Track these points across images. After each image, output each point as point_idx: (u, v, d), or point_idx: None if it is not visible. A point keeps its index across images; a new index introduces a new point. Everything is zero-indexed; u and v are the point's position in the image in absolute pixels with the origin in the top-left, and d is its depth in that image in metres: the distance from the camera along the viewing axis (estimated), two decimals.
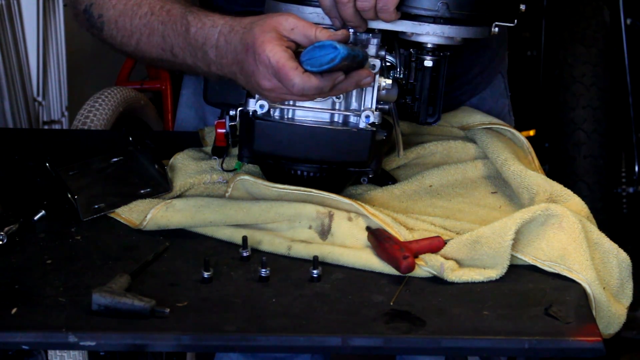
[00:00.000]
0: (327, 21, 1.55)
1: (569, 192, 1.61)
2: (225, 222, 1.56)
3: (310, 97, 1.48)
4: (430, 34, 1.56)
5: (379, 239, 1.50)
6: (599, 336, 1.33)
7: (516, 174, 1.65)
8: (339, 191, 1.62)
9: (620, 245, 1.53)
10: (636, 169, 3.34)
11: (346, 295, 1.42)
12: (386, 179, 1.72)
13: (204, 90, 1.71)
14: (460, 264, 1.48)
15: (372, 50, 1.57)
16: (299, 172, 1.61)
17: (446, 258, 1.48)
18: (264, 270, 1.45)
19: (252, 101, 1.56)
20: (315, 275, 1.45)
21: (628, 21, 3.31)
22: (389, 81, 1.57)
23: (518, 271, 1.48)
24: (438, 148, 1.79)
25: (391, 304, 1.40)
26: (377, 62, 1.55)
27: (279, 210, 1.55)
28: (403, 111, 1.66)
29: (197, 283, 1.44)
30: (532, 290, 1.44)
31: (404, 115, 1.67)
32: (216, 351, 2.02)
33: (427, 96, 1.64)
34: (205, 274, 1.44)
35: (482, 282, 1.45)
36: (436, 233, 1.54)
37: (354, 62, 1.47)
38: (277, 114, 1.57)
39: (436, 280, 1.46)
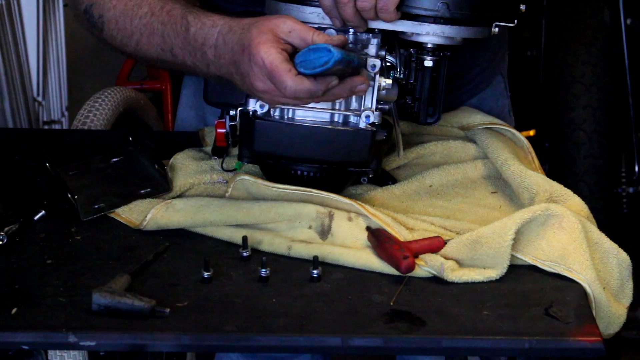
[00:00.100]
0: (328, 21, 1.55)
1: (569, 192, 1.61)
2: (225, 222, 1.56)
3: (303, 100, 1.48)
4: (430, 34, 1.56)
5: (379, 239, 1.50)
6: (599, 336, 1.33)
7: (516, 174, 1.65)
8: (339, 191, 1.62)
9: (620, 245, 1.53)
10: (636, 169, 3.34)
11: (346, 295, 1.42)
12: (386, 179, 1.72)
13: (204, 90, 1.71)
14: (460, 264, 1.48)
15: (372, 50, 1.57)
16: (299, 172, 1.61)
17: (446, 258, 1.48)
18: (264, 270, 1.45)
19: (252, 101, 1.56)
20: (315, 275, 1.45)
21: (628, 21, 3.31)
22: (389, 81, 1.57)
23: (518, 271, 1.48)
24: (438, 148, 1.79)
25: (391, 304, 1.40)
26: (377, 62, 1.55)
27: (279, 210, 1.55)
28: (403, 111, 1.66)
29: (197, 283, 1.44)
30: (532, 290, 1.44)
31: (404, 115, 1.67)
32: (216, 351, 2.02)
33: (427, 96, 1.64)
34: (205, 274, 1.44)
35: (482, 282, 1.45)
36: (436, 233, 1.54)
37: (349, 68, 1.46)
38: (277, 113, 1.57)
39: (436, 280, 1.46)
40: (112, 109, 2.54)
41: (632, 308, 1.55)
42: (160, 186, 1.66)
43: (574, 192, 1.61)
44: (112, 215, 1.62)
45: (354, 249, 1.51)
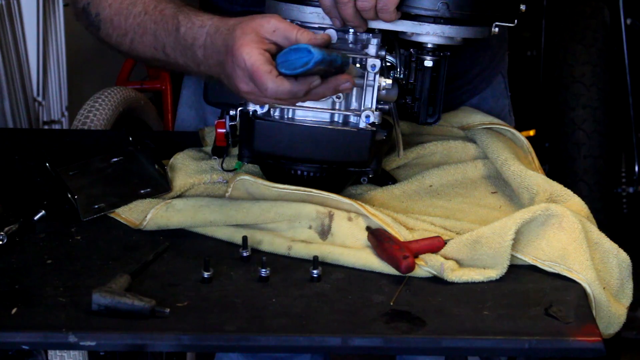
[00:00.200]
0: (328, 21, 1.55)
1: (569, 192, 1.61)
2: (225, 222, 1.56)
3: (285, 101, 1.48)
4: (430, 34, 1.56)
5: (379, 239, 1.50)
6: (599, 336, 1.33)
7: (516, 174, 1.65)
8: (339, 191, 1.62)
9: (620, 245, 1.53)
10: (636, 169, 3.34)
11: (346, 295, 1.42)
12: (386, 179, 1.72)
13: (204, 90, 1.71)
14: (460, 264, 1.48)
15: (372, 50, 1.57)
16: (299, 172, 1.61)
17: (446, 258, 1.48)
18: (264, 270, 1.45)
19: None
20: (315, 275, 1.45)
21: (628, 21, 3.31)
22: (389, 81, 1.57)
23: (518, 271, 1.48)
24: (438, 148, 1.79)
25: (391, 304, 1.40)
26: (377, 62, 1.55)
27: (279, 210, 1.55)
28: (403, 111, 1.66)
29: (197, 283, 1.44)
30: (532, 290, 1.44)
31: (404, 115, 1.67)
32: (216, 351, 2.02)
33: (427, 96, 1.64)
34: (205, 274, 1.44)
35: (482, 282, 1.45)
36: (436, 233, 1.54)
37: (332, 67, 1.45)
38: (277, 113, 1.57)
39: (436, 280, 1.46)
40: (112, 109, 2.54)
41: (632, 308, 1.55)
42: (160, 186, 1.66)
43: (574, 192, 1.61)
44: (112, 215, 1.62)
45: (354, 249, 1.51)
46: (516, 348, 1.34)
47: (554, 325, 1.35)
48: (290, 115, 1.58)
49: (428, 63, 1.61)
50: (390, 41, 1.61)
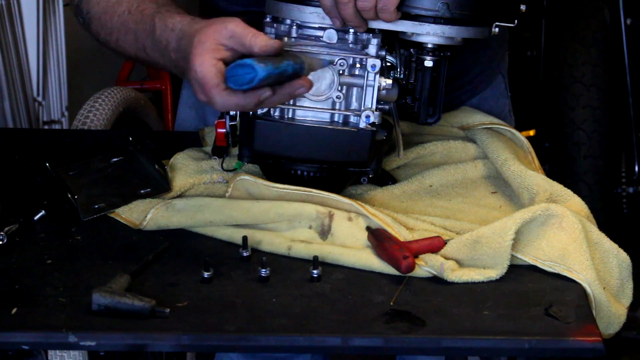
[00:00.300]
0: (328, 21, 1.55)
1: (569, 192, 1.61)
2: (225, 222, 1.56)
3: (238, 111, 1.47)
4: (430, 34, 1.56)
5: (379, 239, 1.50)
6: (599, 336, 1.33)
7: (516, 174, 1.65)
8: (339, 191, 1.62)
9: (620, 245, 1.53)
10: (636, 169, 3.34)
11: (346, 295, 1.42)
12: (386, 179, 1.72)
13: None
14: (460, 264, 1.48)
15: (372, 50, 1.57)
16: (299, 172, 1.61)
17: (446, 258, 1.48)
18: (264, 270, 1.45)
19: None
20: (315, 275, 1.45)
21: (628, 21, 3.31)
22: (389, 81, 1.58)
23: (518, 271, 1.48)
24: (438, 148, 1.79)
25: (391, 304, 1.40)
26: (378, 62, 1.55)
27: (279, 210, 1.55)
28: (403, 111, 1.66)
29: (197, 283, 1.44)
30: (532, 290, 1.44)
31: (404, 115, 1.67)
32: (216, 351, 2.02)
33: (428, 96, 1.64)
34: (205, 274, 1.44)
35: (482, 282, 1.45)
36: (436, 233, 1.54)
37: (283, 77, 1.44)
38: (277, 113, 1.57)
39: (436, 280, 1.46)
40: (112, 109, 2.54)
41: (632, 308, 1.55)
42: (160, 186, 1.66)
43: (574, 192, 1.61)
44: (112, 215, 1.62)
45: (354, 249, 1.51)
46: (516, 348, 1.34)
47: (554, 325, 1.35)
48: (290, 115, 1.58)
49: (428, 63, 1.61)
50: (391, 41, 1.61)
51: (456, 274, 1.45)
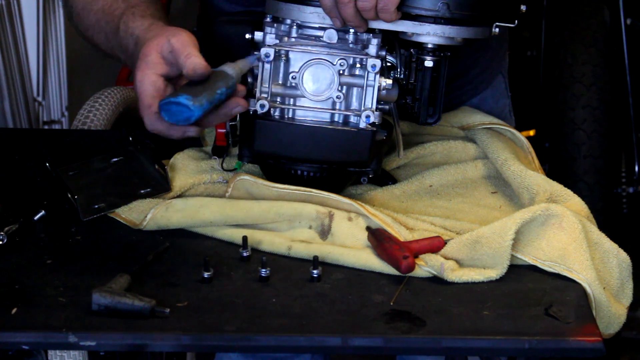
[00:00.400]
0: (328, 21, 1.55)
1: (569, 192, 1.61)
2: (225, 222, 1.56)
3: None
4: (430, 34, 1.56)
5: (379, 239, 1.50)
6: (599, 336, 1.33)
7: (516, 174, 1.65)
8: (339, 191, 1.62)
9: (620, 245, 1.53)
10: (636, 169, 3.34)
11: (346, 295, 1.42)
12: (386, 179, 1.72)
13: None
14: (460, 264, 1.48)
15: (372, 50, 1.57)
16: (299, 172, 1.61)
17: (446, 258, 1.48)
18: (264, 270, 1.45)
19: (252, 101, 1.56)
20: (315, 275, 1.45)
21: (628, 21, 3.31)
22: (389, 81, 1.57)
23: (518, 271, 1.48)
24: (438, 148, 1.79)
25: (391, 304, 1.40)
26: (378, 62, 1.55)
27: (279, 210, 1.55)
28: (403, 111, 1.66)
29: (197, 283, 1.44)
30: (532, 290, 1.44)
31: (404, 116, 1.67)
32: (216, 351, 2.02)
33: (428, 96, 1.64)
34: (205, 274, 1.44)
35: (482, 282, 1.45)
36: (436, 233, 1.54)
37: (218, 104, 1.45)
38: (277, 113, 1.57)
39: (436, 280, 1.46)
40: (112, 109, 2.54)
41: (632, 308, 1.55)
42: (160, 186, 1.66)
43: (574, 192, 1.61)
44: (112, 215, 1.62)
45: (354, 249, 1.51)
46: (516, 348, 1.34)
47: (554, 325, 1.35)
48: (290, 115, 1.58)
49: (428, 63, 1.61)
50: (391, 41, 1.61)
51: (456, 274, 1.45)
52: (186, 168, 1.72)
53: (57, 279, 1.43)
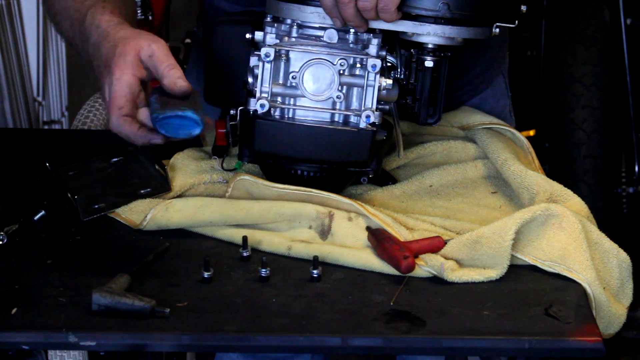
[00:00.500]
0: (328, 21, 1.55)
1: (569, 192, 1.61)
2: (225, 222, 1.56)
3: None
4: (431, 34, 1.56)
5: (379, 239, 1.50)
6: (599, 336, 1.33)
7: (516, 174, 1.65)
8: (339, 191, 1.62)
9: (620, 245, 1.53)
10: (636, 169, 3.34)
11: (346, 295, 1.42)
12: (386, 179, 1.72)
13: (204, 90, 1.71)
14: (460, 264, 1.48)
15: (372, 50, 1.57)
16: (299, 172, 1.61)
17: (446, 258, 1.48)
18: (264, 270, 1.45)
19: (252, 100, 1.56)
20: (315, 275, 1.45)
21: (628, 21, 3.31)
22: (390, 81, 1.57)
23: (518, 271, 1.48)
24: (438, 148, 1.79)
25: (391, 304, 1.40)
26: (378, 62, 1.55)
27: (279, 210, 1.55)
28: (403, 111, 1.66)
29: (197, 283, 1.44)
30: (532, 290, 1.44)
31: (405, 116, 1.67)
32: (216, 351, 2.02)
33: (428, 96, 1.64)
34: (205, 274, 1.44)
35: (482, 282, 1.45)
36: (436, 233, 1.54)
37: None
38: (277, 113, 1.57)
39: (436, 280, 1.46)
40: None
41: (632, 308, 1.55)
42: (160, 186, 1.66)
43: (574, 192, 1.61)
44: (112, 215, 1.62)
45: (354, 249, 1.51)
46: (516, 348, 1.34)
47: (554, 325, 1.35)
48: (290, 115, 1.58)
49: (429, 63, 1.61)
50: (391, 41, 1.61)
51: (456, 274, 1.45)
52: (186, 168, 1.72)
53: (57, 279, 1.43)
